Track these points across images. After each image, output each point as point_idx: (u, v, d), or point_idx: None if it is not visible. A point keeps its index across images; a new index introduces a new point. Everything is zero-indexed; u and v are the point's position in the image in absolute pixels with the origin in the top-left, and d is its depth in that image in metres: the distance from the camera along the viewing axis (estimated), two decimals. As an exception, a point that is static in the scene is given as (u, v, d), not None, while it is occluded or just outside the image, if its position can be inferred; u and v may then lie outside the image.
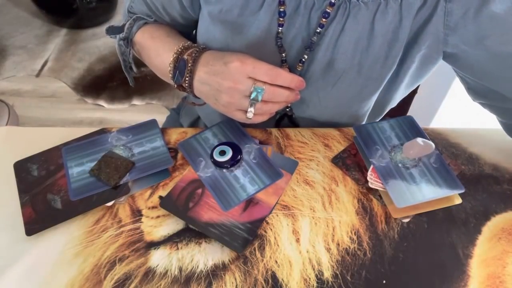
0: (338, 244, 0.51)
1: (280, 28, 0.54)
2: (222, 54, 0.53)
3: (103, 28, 2.08)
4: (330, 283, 0.48)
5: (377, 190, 0.56)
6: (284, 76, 0.51)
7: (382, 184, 0.55)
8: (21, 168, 0.57)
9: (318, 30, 0.53)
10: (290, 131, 0.64)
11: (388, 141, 0.59)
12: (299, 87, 0.53)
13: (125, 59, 0.67)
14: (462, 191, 0.54)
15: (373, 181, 0.55)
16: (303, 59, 0.56)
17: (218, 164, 0.57)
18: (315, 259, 0.50)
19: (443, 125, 0.68)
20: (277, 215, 0.54)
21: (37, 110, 1.72)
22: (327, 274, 0.49)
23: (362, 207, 0.55)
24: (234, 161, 0.57)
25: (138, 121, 0.62)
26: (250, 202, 0.54)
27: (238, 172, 0.56)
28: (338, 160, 0.60)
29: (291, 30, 0.55)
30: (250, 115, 0.51)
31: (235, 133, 0.61)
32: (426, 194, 0.53)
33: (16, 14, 2.16)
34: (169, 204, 0.54)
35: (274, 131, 0.63)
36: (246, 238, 0.51)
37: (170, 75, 0.57)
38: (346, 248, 0.51)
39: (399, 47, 0.54)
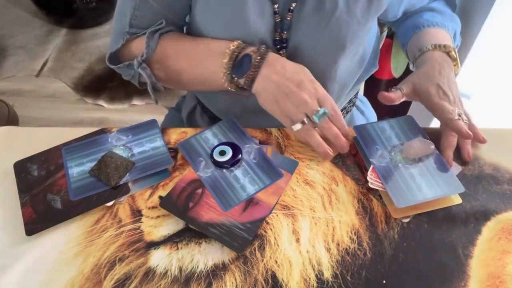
0: (338, 244, 0.51)
1: None
2: (291, 62, 0.58)
3: (103, 28, 2.09)
4: (330, 283, 0.48)
5: (377, 190, 0.56)
6: (341, 119, 0.57)
7: (382, 184, 0.55)
8: (21, 168, 0.57)
9: None
10: (290, 131, 0.64)
11: (388, 141, 0.59)
12: (344, 136, 0.57)
13: (152, 80, 0.63)
14: (462, 191, 0.54)
15: (373, 181, 0.55)
16: (291, 8, 0.59)
17: (218, 164, 0.57)
18: (315, 259, 0.50)
19: (443, 125, 0.67)
20: (277, 215, 0.54)
21: (37, 110, 1.72)
22: (327, 274, 0.49)
23: (362, 207, 0.55)
24: (234, 161, 0.57)
25: (138, 121, 0.62)
26: (250, 202, 0.54)
27: (238, 172, 0.56)
28: (338, 160, 0.60)
29: None
30: (298, 126, 0.55)
31: (235, 133, 0.61)
32: (426, 194, 0.53)
33: (16, 14, 2.16)
34: (169, 204, 0.54)
35: (274, 131, 0.63)
36: (246, 238, 0.51)
37: (225, 70, 0.57)
38: (346, 248, 0.51)
39: None
